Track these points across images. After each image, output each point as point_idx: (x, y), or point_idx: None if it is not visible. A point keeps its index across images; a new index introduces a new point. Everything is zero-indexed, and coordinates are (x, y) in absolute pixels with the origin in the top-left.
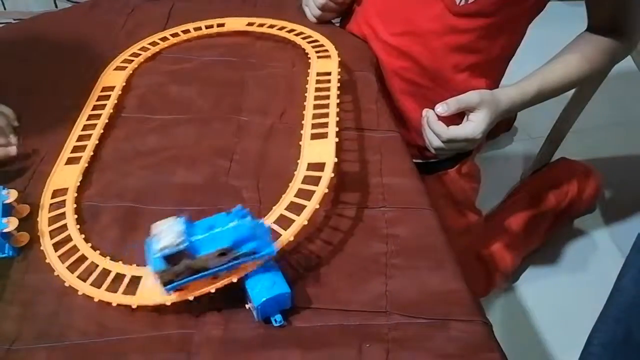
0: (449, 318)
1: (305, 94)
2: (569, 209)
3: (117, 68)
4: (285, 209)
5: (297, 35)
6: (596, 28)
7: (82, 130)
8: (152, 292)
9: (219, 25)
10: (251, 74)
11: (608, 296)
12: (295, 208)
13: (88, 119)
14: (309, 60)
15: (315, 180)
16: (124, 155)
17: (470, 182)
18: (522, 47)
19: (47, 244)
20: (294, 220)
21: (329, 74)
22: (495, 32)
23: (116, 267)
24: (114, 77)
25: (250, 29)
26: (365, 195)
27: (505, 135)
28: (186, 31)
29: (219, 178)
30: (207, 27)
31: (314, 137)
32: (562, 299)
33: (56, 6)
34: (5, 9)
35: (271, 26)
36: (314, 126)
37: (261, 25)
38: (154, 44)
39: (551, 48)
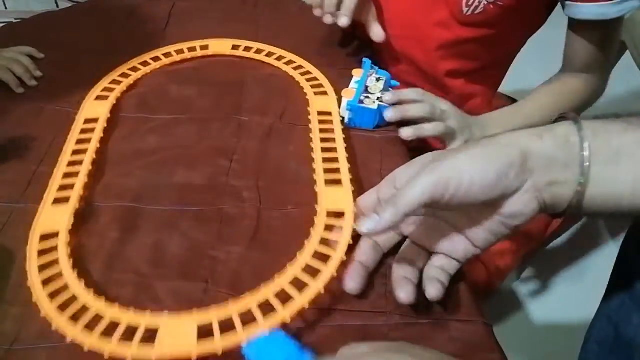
0: (449, 318)
1: (310, 134)
2: None
3: (98, 97)
4: (312, 256)
5: (287, 64)
6: (570, 67)
7: (68, 166)
8: (174, 343)
9: (202, 47)
10: (251, 74)
11: (604, 293)
12: (320, 257)
13: (73, 154)
14: (306, 96)
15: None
16: (123, 155)
17: None
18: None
19: (39, 293)
20: (320, 271)
21: (329, 113)
22: (496, 41)
23: (126, 317)
24: (95, 108)
25: (235, 52)
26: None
27: None
28: (168, 54)
29: (219, 178)
30: (189, 50)
31: (328, 183)
32: (562, 298)
33: (57, 5)
34: (6, 8)
35: (258, 51)
36: (326, 171)
37: (248, 49)
38: (134, 69)
39: (551, 49)
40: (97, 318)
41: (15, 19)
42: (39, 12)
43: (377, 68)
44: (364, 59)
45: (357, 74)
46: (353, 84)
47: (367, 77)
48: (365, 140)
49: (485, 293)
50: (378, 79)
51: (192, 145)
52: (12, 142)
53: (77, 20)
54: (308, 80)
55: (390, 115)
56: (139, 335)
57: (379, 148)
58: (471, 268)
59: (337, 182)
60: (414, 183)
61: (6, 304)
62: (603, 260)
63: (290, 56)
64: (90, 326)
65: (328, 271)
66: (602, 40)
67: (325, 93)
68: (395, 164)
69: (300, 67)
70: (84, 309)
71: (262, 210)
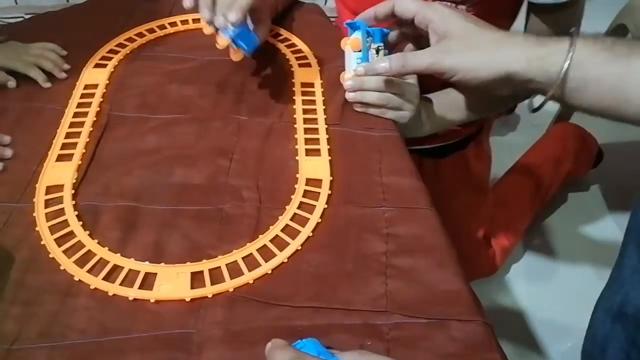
0: (449, 318)
1: (294, 106)
2: (568, 170)
3: (97, 65)
4: (290, 219)
5: (273, 36)
6: None
7: (70, 127)
8: (170, 288)
9: (195, 20)
10: (251, 74)
11: (615, 262)
12: (298, 220)
13: (74, 117)
14: (291, 68)
15: (315, 195)
16: (124, 155)
17: (484, 161)
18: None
19: (48, 239)
20: (299, 231)
21: (312, 84)
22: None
23: (129, 264)
24: (95, 75)
25: None
26: (365, 195)
27: (508, 123)
28: (162, 27)
29: (218, 178)
30: (182, 23)
31: (309, 153)
32: (561, 298)
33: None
34: (17, 3)
35: None
36: (307, 142)
37: None
38: (130, 40)
39: None
40: (103, 262)
41: (26, 14)
42: (49, 7)
43: (372, 35)
44: (357, 22)
45: (353, 44)
46: (352, 58)
47: (367, 50)
48: (364, 139)
49: (492, 271)
50: (377, 50)
51: (191, 144)
52: (11, 142)
53: (76, 20)
54: (293, 52)
55: (350, 95)
56: (139, 279)
57: (377, 147)
58: (479, 247)
59: (317, 151)
60: (426, 57)
61: (6, 303)
62: (605, 253)
63: (276, 29)
64: (94, 271)
65: (305, 232)
66: (561, 24)
67: (308, 65)
68: (395, 163)
69: (286, 39)
70: (90, 254)
71: (262, 209)
